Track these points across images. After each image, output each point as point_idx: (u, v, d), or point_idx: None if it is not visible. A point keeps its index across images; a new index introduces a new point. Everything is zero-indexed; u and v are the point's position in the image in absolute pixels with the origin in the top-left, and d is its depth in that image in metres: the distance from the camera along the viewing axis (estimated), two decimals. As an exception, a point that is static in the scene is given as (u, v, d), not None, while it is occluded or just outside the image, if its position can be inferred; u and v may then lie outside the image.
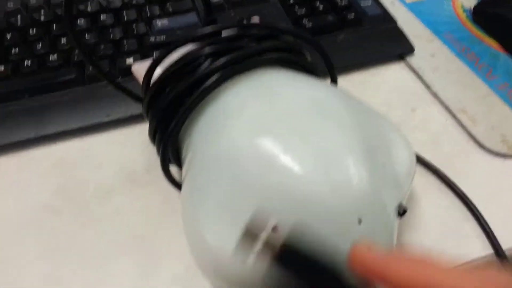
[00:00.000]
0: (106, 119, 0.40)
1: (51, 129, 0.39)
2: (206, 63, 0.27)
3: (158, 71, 0.29)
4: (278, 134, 0.25)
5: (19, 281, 0.32)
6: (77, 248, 0.33)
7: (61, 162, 0.38)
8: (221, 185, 0.25)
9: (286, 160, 0.24)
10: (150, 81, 0.29)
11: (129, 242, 0.33)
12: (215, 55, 0.27)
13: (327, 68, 0.32)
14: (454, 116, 0.41)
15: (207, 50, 0.27)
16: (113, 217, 0.35)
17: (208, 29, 0.28)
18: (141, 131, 0.40)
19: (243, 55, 0.27)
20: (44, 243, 0.33)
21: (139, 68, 0.31)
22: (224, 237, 0.24)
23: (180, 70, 0.28)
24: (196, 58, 0.28)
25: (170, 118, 0.28)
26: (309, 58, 0.31)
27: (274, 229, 0.20)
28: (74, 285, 0.31)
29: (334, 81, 0.34)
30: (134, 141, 0.39)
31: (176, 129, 0.28)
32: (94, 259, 0.32)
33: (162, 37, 0.44)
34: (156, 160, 0.31)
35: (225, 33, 0.29)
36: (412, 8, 0.53)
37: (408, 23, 0.50)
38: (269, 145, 0.24)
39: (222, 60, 0.27)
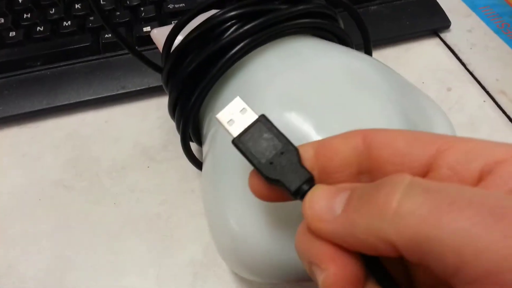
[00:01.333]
0: (121, 91, 0.38)
1: (63, 100, 0.37)
2: (232, 29, 0.25)
3: (179, 38, 0.26)
4: (311, 107, 0.22)
5: (28, 258, 0.30)
6: (88, 226, 0.31)
7: (74, 135, 0.36)
8: (247, 164, 0.23)
9: (319, 135, 0.21)
10: (170, 48, 0.27)
11: (143, 221, 0.32)
12: (241, 20, 0.25)
13: (363, 39, 0.29)
14: (492, 97, 0.39)
15: (232, 13, 0.25)
16: (127, 195, 0.33)
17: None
18: (158, 104, 0.38)
19: (273, 20, 0.24)
20: (55, 220, 0.32)
21: (159, 34, 0.29)
22: (247, 219, 0.23)
23: (203, 37, 0.25)
24: (221, 23, 0.25)
25: (191, 90, 0.26)
26: (342, 26, 0.28)
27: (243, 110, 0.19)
28: (84, 264, 0.30)
29: (368, 53, 0.31)
30: (151, 115, 0.37)
31: (198, 103, 0.26)
32: (106, 238, 0.31)
33: (182, 4, 0.41)
34: (174, 136, 0.29)
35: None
36: (447, -20, 0.49)
37: (444, -4, 0.46)
38: (300, 119, 0.22)
39: (249, 26, 0.24)
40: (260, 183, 0.18)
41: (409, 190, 0.14)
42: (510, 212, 0.12)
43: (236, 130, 0.18)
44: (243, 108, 0.19)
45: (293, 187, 0.17)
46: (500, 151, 0.15)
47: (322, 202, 0.16)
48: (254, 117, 0.18)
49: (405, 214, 0.13)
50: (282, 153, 0.18)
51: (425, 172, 0.16)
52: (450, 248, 0.12)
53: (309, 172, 0.17)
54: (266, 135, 0.18)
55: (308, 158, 0.17)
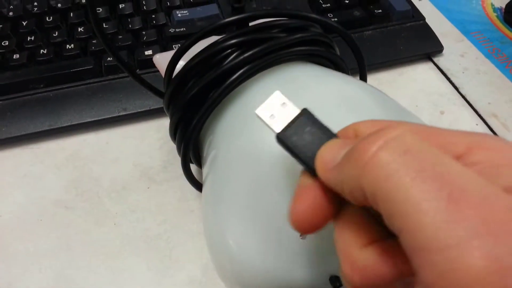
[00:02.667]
0: (123, 113, 0.38)
1: (66, 122, 0.38)
2: (232, 56, 0.26)
3: (181, 63, 0.27)
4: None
5: (29, 278, 0.30)
6: (89, 245, 0.32)
7: (75, 156, 0.37)
8: (246, 187, 0.24)
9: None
10: (172, 73, 0.28)
11: (143, 241, 0.32)
12: (242, 47, 0.26)
13: (358, 64, 0.30)
14: (484, 121, 0.39)
15: (233, 41, 0.26)
16: (127, 215, 0.33)
17: (234, 17, 0.26)
18: (159, 126, 0.39)
19: (272, 48, 0.25)
20: (56, 239, 0.32)
21: (161, 59, 0.30)
22: (247, 242, 0.23)
23: (204, 62, 0.26)
24: (221, 50, 0.26)
25: (192, 114, 0.26)
26: (338, 53, 0.29)
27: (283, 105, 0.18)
28: (84, 284, 0.30)
29: (363, 79, 0.32)
30: (152, 137, 0.38)
31: (199, 126, 0.27)
32: (106, 258, 0.31)
33: (182, 29, 0.42)
34: (174, 157, 0.29)
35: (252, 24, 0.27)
36: (439, 5, 0.51)
37: (436, 21, 0.48)
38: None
39: (249, 53, 0.25)
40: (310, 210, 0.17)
41: (391, 143, 0.14)
42: (470, 199, 0.12)
43: (278, 125, 0.18)
44: (284, 103, 0.18)
45: None
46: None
47: (329, 153, 0.16)
48: (297, 111, 0.18)
49: (374, 166, 0.14)
50: None
51: None
52: (398, 212, 0.13)
53: None
54: (310, 129, 0.17)
55: None
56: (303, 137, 0.17)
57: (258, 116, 0.18)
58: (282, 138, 0.18)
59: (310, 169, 0.17)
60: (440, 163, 0.13)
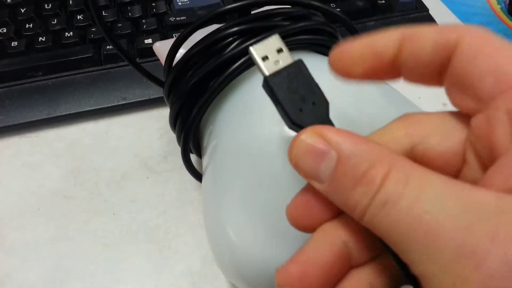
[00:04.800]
0: (122, 102, 0.38)
1: (64, 110, 0.37)
2: (234, 44, 0.25)
3: (181, 52, 0.27)
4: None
5: (27, 267, 0.30)
6: (87, 236, 0.32)
7: (74, 145, 0.37)
8: (246, 177, 0.23)
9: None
10: (172, 62, 0.27)
11: (142, 231, 0.32)
12: (243, 35, 0.25)
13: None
14: (487, 113, 0.39)
15: (235, 29, 0.25)
16: (126, 205, 0.33)
17: (235, 4, 0.26)
18: (159, 115, 0.38)
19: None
20: (54, 229, 0.32)
21: (161, 47, 0.29)
22: (247, 232, 0.23)
23: (205, 51, 0.26)
24: (223, 38, 0.25)
25: (193, 103, 0.26)
26: (342, 44, 0.29)
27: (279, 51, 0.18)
28: (83, 274, 0.30)
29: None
30: (152, 126, 0.38)
31: (199, 116, 0.26)
32: (105, 248, 0.31)
33: (183, 17, 0.42)
34: (174, 147, 0.29)
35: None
36: (443, -3, 0.50)
37: (439, 13, 0.47)
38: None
39: (251, 42, 0.25)
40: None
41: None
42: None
43: (269, 68, 0.17)
44: (280, 48, 0.18)
45: None
46: None
47: (309, 163, 0.15)
48: (291, 59, 0.17)
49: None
50: (313, 103, 0.17)
51: None
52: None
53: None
54: (300, 81, 0.17)
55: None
56: (291, 87, 0.17)
57: (251, 53, 0.18)
58: (269, 82, 0.17)
59: (289, 122, 0.17)
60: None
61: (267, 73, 0.17)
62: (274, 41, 0.18)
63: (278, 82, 0.17)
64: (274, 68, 0.17)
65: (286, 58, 0.17)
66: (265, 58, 0.17)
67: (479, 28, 0.15)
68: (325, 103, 0.17)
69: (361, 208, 0.14)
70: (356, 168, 0.14)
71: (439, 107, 0.39)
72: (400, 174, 0.13)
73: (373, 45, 0.16)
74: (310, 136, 0.15)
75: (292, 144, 0.16)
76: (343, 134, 0.15)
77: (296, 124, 0.17)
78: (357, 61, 0.16)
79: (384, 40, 0.16)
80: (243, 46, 0.25)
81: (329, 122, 0.17)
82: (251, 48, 0.17)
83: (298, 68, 0.17)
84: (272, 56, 0.17)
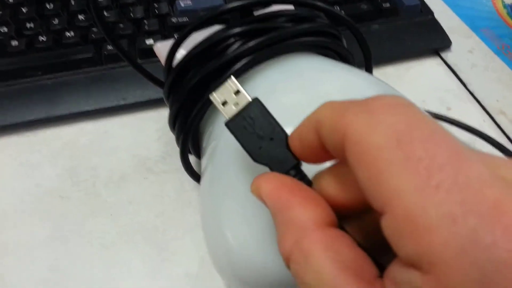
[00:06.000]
0: (122, 102, 0.38)
1: (63, 110, 0.37)
2: (235, 45, 0.25)
3: (181, 52, 0.26)
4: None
5: (22, 268, 0.30)
6: (84, 236, 0.31)
7: (72, 145, 0.36)
8: (245, 179, 0.23)
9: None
10: (172, 62, 0.27)
11: (140, 233, 0.31)
12: (245, 36, 0.25)
13: (365, 57, 0.29)
14: (492, 117, 0.39)
15: (236, 30, 0.25)
16: (124, 206, 0.33)
17: (237, 3, 0.25)
18: (158, 116, 0.38)
19: (277, 38, 0.24)
20: (50, 229, 0.32)
21: (162, 48, 0.29)
22: (244, 233, 0.23)
23: (206, 52, 0.25)
24: (225, 39, 0.25)
25: (192, 104, 0.26)
26: (345, 45, 0.28)
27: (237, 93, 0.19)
28: (79, 275, 0.30)
29: (369, 70, 0.31)
30: (150, 127, 0.37)
31: (199, 117, 0.26)
32: (101, 249, 0.31)
33: (185, 18, 0.41)
34: (172, 148, 0.29)
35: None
36: (448, 0, 0.50)
37: (444, 16, 0.47)
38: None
39: (253, 43, 0.24)
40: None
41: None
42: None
43: (229, 112, 0.18)
44: (237, 90, 0.19)
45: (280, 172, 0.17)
46: None
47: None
48: (248, 99, 0.18)
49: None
50: (271, 138, 0.18)
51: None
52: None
53: (296, 158, 0.17)
54: (258, 119, 0.18)
55: (292, 144, 0.17)
56: (251, 126, 0.18)
57: (212, 100, 0.19)
58: (229, 126, 0.18)
59: (253, 159, 0.18)
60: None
61: (227, 117, 0.18)
62: (231, 84, 0.19)
63: (238, 125, 0.18)
64: (233, 111, 0.18)
65: (243, 99, 0.18)
66: (225, 103, 0.19)
67: (365, 115, 0.14)
68: (283, 135, 0.18)
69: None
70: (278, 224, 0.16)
71: (443, 110, 0.39)
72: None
73: (300, 139, 0.17)
74: (252, 190, 0.17)
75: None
76: (272, 194, 0.16)
77: (257, 161, 0.18)
78: (304, 150, 0.17)
79: (304, 132, 0.16)
80: (245, 47, 0.24)
81: (288, 154, 0.17)
82: (211, 96, 0.19)
83: (255, 106, 0.18)
84: (231, 99, 0.19)
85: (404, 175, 0.12)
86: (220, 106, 0.18)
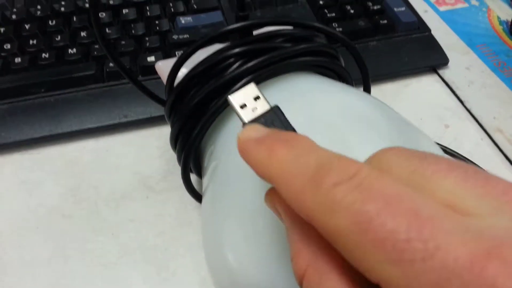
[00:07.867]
0: (123, 120, 0.38)
1: (66, 127, 0.37)
2: (236, 65, 0.25)
3: (183, 71, 0.27)
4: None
5: (23, 286, 0.30)
6: (85, 255, 0.31)
7: (74, 163, 0.36)
8: (246, 200, 0.23)
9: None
10: (173, 81, 0.27)
11: (140, 252, 0.31)
12: (245, 56, 0.25)
13: (362, 75, 0.30)
14: (489, 135, 0.39)
15: (237, 50, 0.25)
16: (125, 224, 0.33)
17: (238, 24, 0.26)
18: (159, 134, 0.38)
19: (276, 58, 0.25)
20: (52, 248, 0.32)
21: (163, 66, 0.29)
22: (246, 254, 0.23)
23: (207, 71, 0.26)
24: (225, 59, 0.25)
25: (194, 123, 0.26)
26: (343, 64, 0.29)
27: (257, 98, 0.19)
28: (81, 294, 0.30)
29: (367, 90, 0.31)
30: (152, 145, 0.37)
31: (200, 136, 0.26)
32: (102, 268, 0.31)
33: (186, 36, 0.42)
34: (174, 166, 0.29)
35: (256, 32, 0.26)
36: (445, 17, 0.50)
37: (441, 33, 0.47)
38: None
39: (253, 63, 0.25)
40: None
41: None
42: None
43: (247, 115, 0.18)
44: (257, 96, 0.18)
45: None
46: None
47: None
48: (268, 106, 0.18)
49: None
50: None
51: None
52: None
53: None
54: (277, 127, 0.18)
55: None
56: None
57: (229, 102, 0.18)
58: None
59: None
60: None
61: (245, 120, 0.18)
62: (251, 90, 0.19)
63: None
64: (252, 115, 0.18)
65: (263, 105, 0.18)
66: (243, 106, 0.18)
67: None
68: None
69: None
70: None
71: (441, 128, 0.39)
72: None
73: None
74: (266, 200, 0.18)
75: None
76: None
77: None
78: None
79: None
80: (245, 67, 0.25)
81: None
82: (230, 97, 0.18)
83: (275, 114, 0.18)
84: (250, 103, 0.18)
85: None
86: (238, 108, 0.18)
